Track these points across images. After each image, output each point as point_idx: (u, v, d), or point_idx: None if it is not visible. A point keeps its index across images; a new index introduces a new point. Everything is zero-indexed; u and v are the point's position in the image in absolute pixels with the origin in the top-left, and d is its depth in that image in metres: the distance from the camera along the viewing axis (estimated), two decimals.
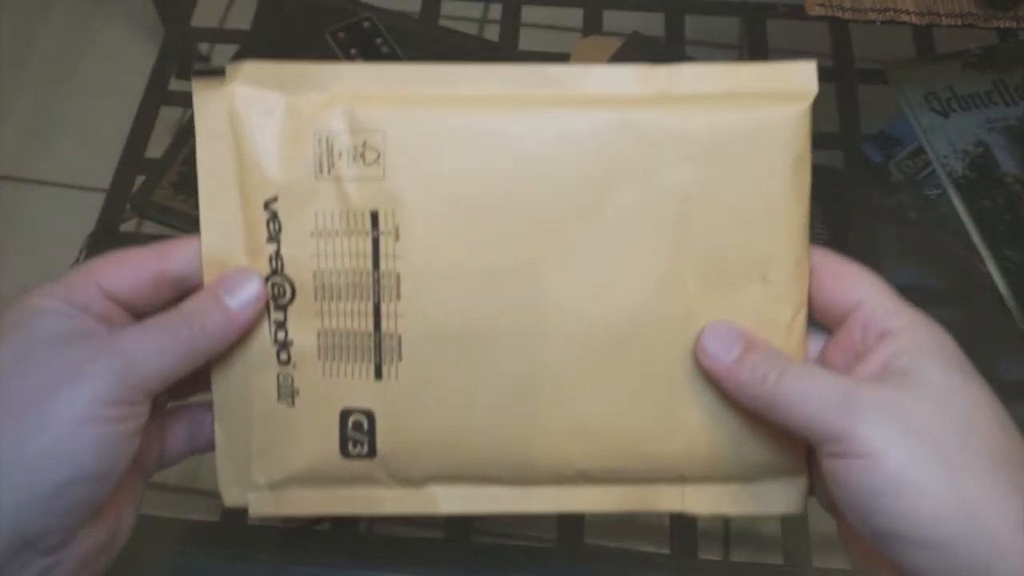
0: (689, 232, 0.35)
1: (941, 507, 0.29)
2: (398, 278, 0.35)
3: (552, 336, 0.35)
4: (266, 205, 0.35)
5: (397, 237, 0.35)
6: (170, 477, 0.73)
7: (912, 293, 0.66)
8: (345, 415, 0.36)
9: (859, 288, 0.34)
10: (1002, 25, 0.58)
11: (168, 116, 0.76)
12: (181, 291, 0.35)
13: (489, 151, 0.35)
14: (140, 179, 0.69)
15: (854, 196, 0.66)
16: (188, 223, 0.65)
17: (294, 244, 0.35)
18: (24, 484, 0.30)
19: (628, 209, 0.35)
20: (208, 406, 0.37)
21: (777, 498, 0.37)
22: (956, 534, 0.28)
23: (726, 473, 0.36)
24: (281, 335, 0.36)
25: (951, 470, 0.29)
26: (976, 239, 0.64)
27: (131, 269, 0.34)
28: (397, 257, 0.35)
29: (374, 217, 0.35)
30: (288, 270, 0.35)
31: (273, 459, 0.37)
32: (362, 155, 0.35)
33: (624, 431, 0.36)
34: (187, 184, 0.67)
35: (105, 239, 0.68)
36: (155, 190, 0.66)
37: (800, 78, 0.35)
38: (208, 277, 0.35)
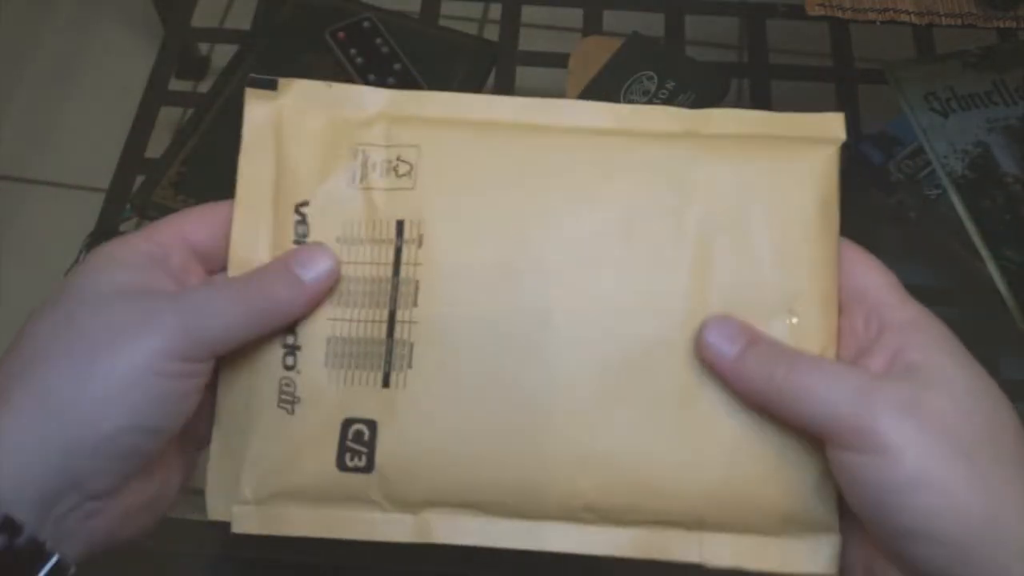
0: (714, 265, 0.35)
1: (961, 505, 0.28)
2: (417, 285, 0.35)
3: (566, 358, 0.35)
4: (297, 208, 0.36)
5: (420, 244, 0.35)
6: None
7: (912, 293, 0.66)
8: (347, 425, 0.35)
9: (867, 275, 0.34)
10: (1002, 25, 0.58)
11: (168, 116, 0.76)
12: None
13: (518, 173, 0.36)
14: (140, 179, 0.68)
15: (854, 196, 0.66)
16: None
17: None
18: (79, 425, 0.30)
19: (653, 239, 0.35)
20: None
21: (806, 556, 0.34)
22: (976, 533, 0.28)
23: (750, 522, 0.34)
24: (290, 339, 0.35)
25: (972, 468, 0.29)
26: (976, 239, 0.64)
27: (212, 220, 0.36)
28: (418, 264, 0.35)
29: (399, 226, 0.36)
30: None
31: (264, 471, 0.35)
32: (395, 168, 0.36)
33: (637, 463, 0.34)
34: (187, 184, 0.67)
35: (105, 239, 0.68)
36: (155, 190, 0.66)
37: (830, 126, 0.36)
38: (232, 271, 0.35)
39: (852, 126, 0.73)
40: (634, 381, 0.34)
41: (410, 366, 0.35)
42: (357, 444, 0.35)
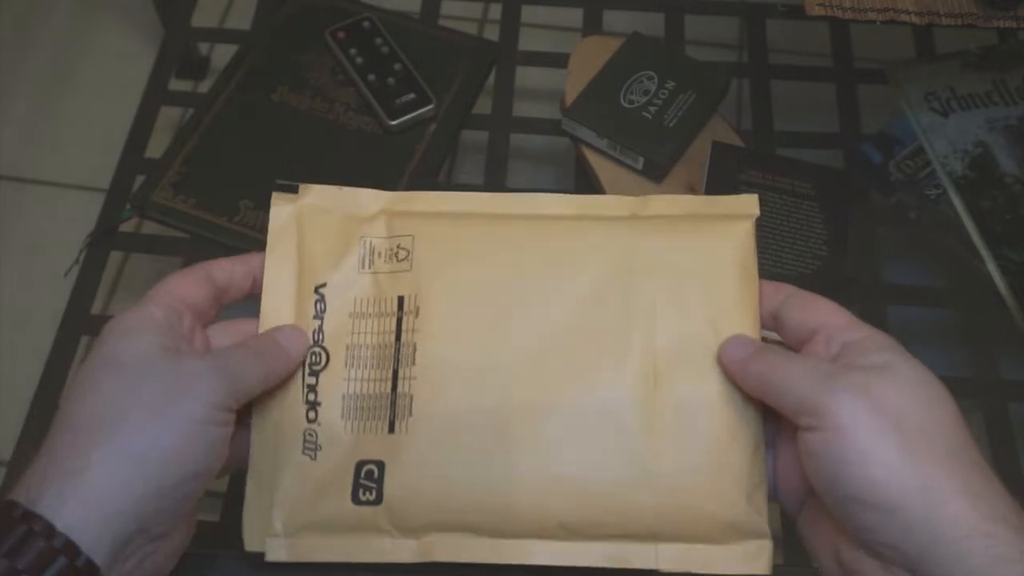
0: (656, 323, 0.42)
1: (898, 477, 0.33)
2: (415, 347, 0.43)
3: (536, 401, 0.41)
4: (316, 289, 0.44)
5: (417, 315, 0.43)
6: None
7: (912, 293, 0.66)
8: (360, 465, 0.41)
9: (824, 312, 0.40)
10: (1002, 25, 0.58)
11: (168, 116, 0.76)
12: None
13: (495, 253, 0.43)
14: (140, 179, 0.68)
15: (854, 196, 0.66)
16: (187, 223, 0.65)
17: (335, 322, 0.43)
18: (155, 474, 0.35)
19: (609, 303, 0.42)
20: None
21: (745, 560, 0.40)
22: (911, 502, 0.33)
23: (697, 533, 0.40)
24: (312, 396, 0.42)
25: (908, 445, 0.34)
26: (976, 239, 0.64)
27: (200, 283, 0.42)
28: (416, 330, 0.43)
29: (400, 301, 0.43)
30: (327, 342, 0.43)
31: (292, 508, 0.42)
32: (395, 254, 0.44)
33: (599, 488, 0.40)
34: (187, 184, 0.67)
35: (105, 239, 0.68)
36: (155, 190, 0.66)
37: (746, 205, 0.44)
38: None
39: (852, 126, 0.73)
40: (594, 418, 0.41)
41: (411, 414, 0.42)
42: (368, 481, 0.41)
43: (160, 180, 0.67)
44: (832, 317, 0.39)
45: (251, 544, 0.42)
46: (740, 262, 0.42)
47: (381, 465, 0.41)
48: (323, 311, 0.43)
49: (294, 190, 0.45)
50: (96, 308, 0.66)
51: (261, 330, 0.43)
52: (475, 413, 0.41)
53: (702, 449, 0.40)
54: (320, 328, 0.43)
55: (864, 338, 0.38)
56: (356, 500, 0.41)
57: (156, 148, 0.71)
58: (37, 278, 0.82)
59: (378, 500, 0.41)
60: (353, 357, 0.43)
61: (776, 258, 0.60)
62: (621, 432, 0.41)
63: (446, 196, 0.46)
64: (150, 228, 0.68)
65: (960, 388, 0.63)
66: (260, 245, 0.65)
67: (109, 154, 0.73)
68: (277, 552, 0.42)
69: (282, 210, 0.45)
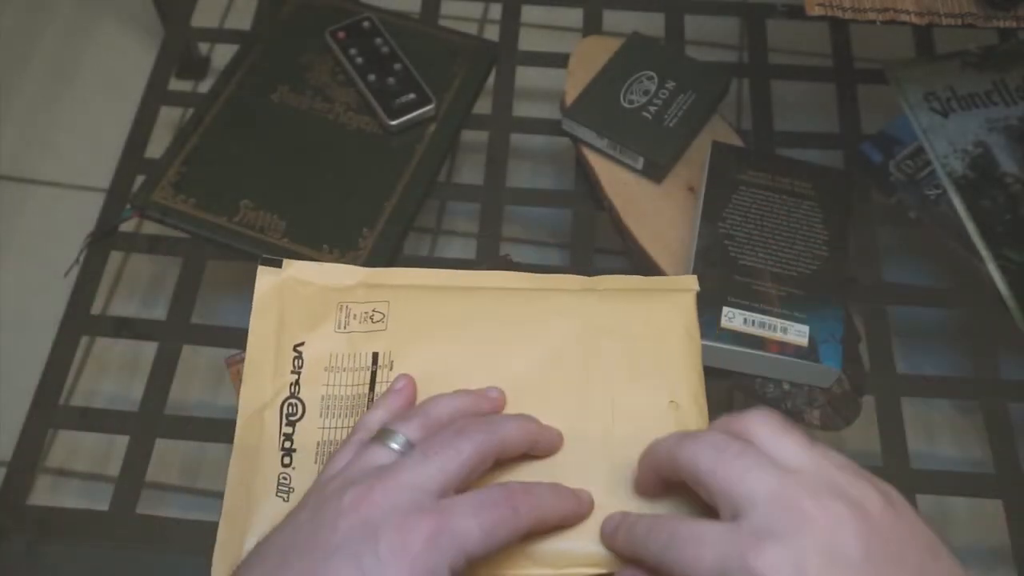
0: (614, 379, 0.47)
1: None
2: None
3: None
4: (294, 347, 0.48)
5: (391, 368, 0.47)
6: (170, 477, 0.73)
7: (912, 293, 0.66)
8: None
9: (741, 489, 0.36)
10: (1002, 25, 0.58)
11: (168, 116, 0.76)
12: None
13: (464, 319, 0.48)
14: (140, 179, 0.68)
15: (854, 196, 0.66)
16: (187, 223, 0.65)
17: (310, 375, 0.47)
18: None
19: (571, 367, 0.47)
20: None
21: None
22: None
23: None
24: (287, 444, 0.46)
25: None
26: (976, 239, 0.64)
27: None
28: (389, 382, 0.46)
29: (375, 356, 0.47)
30: (303, 394, 0.47)
31: None
32: (371, 316, 0.49)
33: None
34: (187, 184, 0.67)
35: (105, 239, 0.68)
36: (155, 190, 0.66)
37: (688, 282, 0.50)
38: (244, 391, 0.47)
39: (852, 126, 0.73)
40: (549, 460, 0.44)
41: None
42: None
43: (160, 180, 0.67)
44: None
45: None
46: (685, 327, 0.48)
47: None
48: (300, 367, 0.48)
49: (278, 264, 0.50)
50: (96, 308, 0.66)
51: (245, 382, 0.47)
52: None
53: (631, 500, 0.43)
54: (297, 382, 0.47)
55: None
56: None
57: (156, 148, 0.71)
58: (37, 278, 0.81)
59: None
60: (327, 407, 0.47)
61: (776, 258, 0.60)
62: (581, 470, 0.44)
63: (419, 272, 0.51)
64: (150, 228, 0.68)
65: (960, 388, 0.64)
66: (260, 245, 0.65)
67: (109, 154, 0.73)
68: None
69: (266, 280, 0.50)
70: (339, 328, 0.48)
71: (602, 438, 0.45)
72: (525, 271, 0.53)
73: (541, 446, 0.43)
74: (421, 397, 0.45)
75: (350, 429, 0.45)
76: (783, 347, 0.57)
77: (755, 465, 0.35)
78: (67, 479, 0.74)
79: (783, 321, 0.58)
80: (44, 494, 0.73)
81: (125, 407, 0.61)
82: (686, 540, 0.35)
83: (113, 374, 0.79)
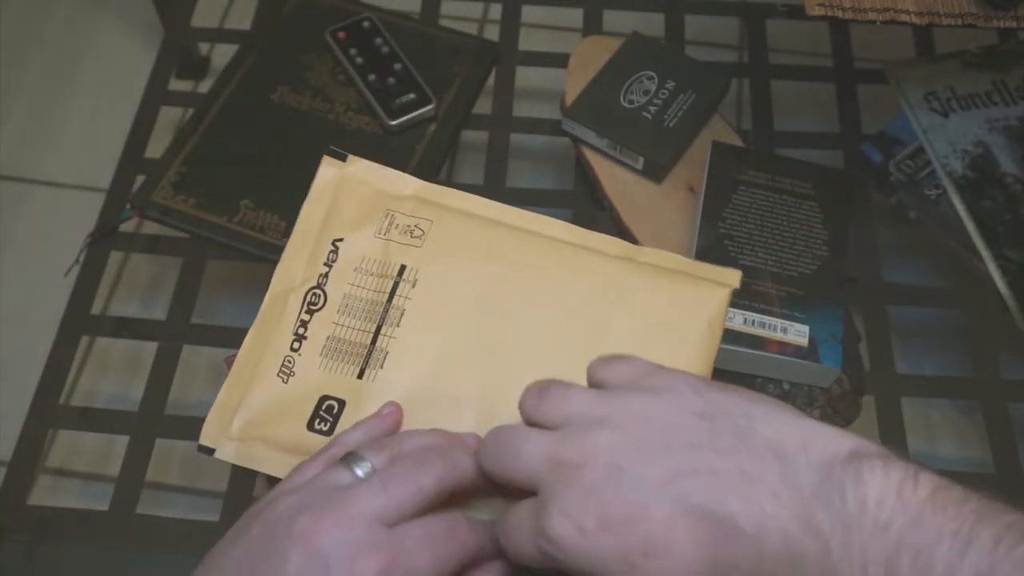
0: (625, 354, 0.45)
1: None
2: (403, 312, 0.47)
3: (495, 393, 0.45)
4: (333, 241, 0.49)
5: (414, 285, 0.48)
6: (170, 477, 0.73)
7: (912, 293, 0.66)
8: (323, 399, 0.46)
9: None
10: (1002, 25, 0.58)
11: (168, 116, 0.76)
12: None
13: (496, 255, 0.48)
14: (140, 179, 0.68)
15: (854, 196, 0.66)
16: (187, 223, 0.65)
17: (340, 271, 0.48)
18: None
19: (582, 332, 0.46)
20: None
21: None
22: None
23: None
24: (301, 330, 0.48)
25: None
26: (976, 239, 0.64)
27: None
28: (408, 298, 0.48)
29: (402, 269, 0.48)
30: (328, 287, 0.48)
31: (253, 419, 0.46)
32: (411, 230, 0.49)
33: None
34: (187, 184, 0.67)
35: (105, 239, 0.68)
36: (155, 190, 0.66)
37: (730, 276, 0.47)
38: (277, 274, 0.49)
39: (852, 126, 0.73)
40: None
41: (381, 367, 0.46)
42: (326, 414, 0.46)
43: (160, 180, 0.67)
44: None
45: (206, 439, 0.46)
46: (709, 322, 0.47)
47: (342, 403, 0.46)
48: (333, 261, 0.49)
49: (343, 158, 0.50)
50: (96, 308, 0.66)
51: (281, 264, 0.49)
52: (436, 384, 0.46)
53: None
54: (326, 274, 0.48)
55: None
56: (311, 427, 0.45)
57: (156, 148, 0.71)
58: (37, 278, 0.81)
59: (330, 432, 0.45)
60: (346, 305, 0.48)
61: (776, 258, 0.60)
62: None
63: (471, 198, 0.51)
64: (150, 228, 0.68)
65: (960, 388, 0.64)
66: (260, 245, 0.65)
67: (109, 154, 0.73)
68: (226, 452, 0.45)
69: (327, 172, 0.50)
70: (379, 234, 0.49)
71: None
72: None
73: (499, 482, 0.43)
74: (431, 327, 0.47)
75: (360, 332, 0.47)
76: (783, 347, 0.57)
77: (523, 442, 0.37)
78: (67, 479, 0.74)
79: (783, 321, 0.58)
80: (44, 494, 0.73)
81: (125, 407, 0.61)
82: (507, 526, 0.37)
83: (113, 374, 0.79)
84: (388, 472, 0.39)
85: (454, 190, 0.51)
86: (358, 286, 0.48)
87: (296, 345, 0.47)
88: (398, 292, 0.48)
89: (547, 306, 0.47)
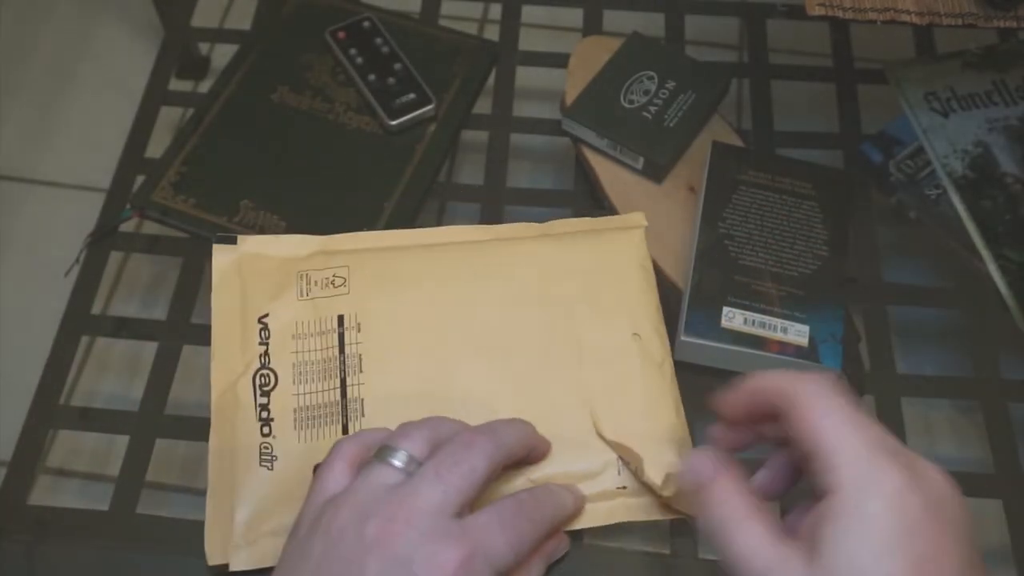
0: (576, 315, 0.49)
1: None
2: (360, 357, 0.48)
3: (478, 390, 0.47)
4: (259, 319, 0.49)
5: (359, 330, 0.48)
6: (170, 477, 0.73)
7: (912, 293, 0.66)
8: (316, 468, 0.43)
9: (834, 435, 0.35)
10: (1002, 25, 0.58)
11: (168, 116, 0.76)
12: None
13: (424, 274, 0.49)
14: (140, 179, 0.68)
15: (854, 196, 0.66)
16: (187, 223, 0.65)
17: (279, 344, 0.48)
18: None
19: (534, 307, 0.49)
20: None
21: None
22: None
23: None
24: (264, 413, 0.47)
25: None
26: (976, 239, 0.64)
27: None
28: (359, 343, 0.48)
29: (340, 319, 0.48)
30: (273, 363, 0.48)
31: (254, 518, 0.45)
32: (332, 282, 0.49)
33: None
34: (187, 184, 0.67)
35: (105, 239, 0.68)
36: (155, 190, 0.66)
37: (636, 219, 0.53)
38: (215, 364, 0.48)
39: (852, 126, 0.73)
40: (524, 401, 0.46)
41: (363, 415, 0.46)
42: None
43: (160, 180, 0.67)
44: (842, 445, 0.35)
45: (213, 558, 0.44)
46: (639, 262, 0.51)
47: None
48: (267, 337, 0.48)
49: (233, 241, 0.51)
50: (96, 308, 0.66)
51: (214, 358, 0.48)
52: (423, 407, 0.45)
53: (637, 410, 0.47)
54: (266, 352, 0.48)
55: (846, 495, 0.34)
56: None
57: (156, 148, 0.71)
58: (37, 278, 0.81)
59: None
60: (300, 374, 0.47)
61: (776, 258, 0.60)
62: (555, 399, 0.47)
63: (375, 234, 0.52)
64: (150, 228, 0.68)
65: (960, 388, 0.64)
66: None
67: (109, 154, 0.73)
68: (240, 560, 0.43)
69: (223, 258, 0.51)
70: (301, 296, 0.49)
71: (575, 378, 0.47)
72: None
73: (537, 452, 0.43)
74: (394, 359, 0.47)
75: (326, 392, 0.46)
76: (783, 347, 0.57)
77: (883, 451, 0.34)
78: (67, 479, 0.74)
79: (783, 321, 0.58)
80: (44, 494, 0.73)
81: (125, 407, 0.61)
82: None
83: (113, 374, 0.79)
84: (438, 460, 0.38)
85: (353, 234, 0.51)
86: (303, 351, 0.48)
87: (266, 430, 0.46)
88: (347, 340, 0.48)
89: (494, 305, 0.49)
